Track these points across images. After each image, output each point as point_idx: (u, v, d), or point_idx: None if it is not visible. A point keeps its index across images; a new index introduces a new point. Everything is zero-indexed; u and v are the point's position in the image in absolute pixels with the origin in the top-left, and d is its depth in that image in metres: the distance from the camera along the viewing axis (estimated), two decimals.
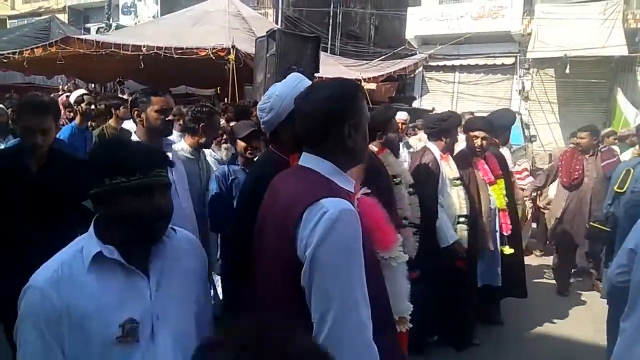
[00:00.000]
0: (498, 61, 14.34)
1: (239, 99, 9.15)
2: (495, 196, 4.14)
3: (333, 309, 1.24)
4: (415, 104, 13.90)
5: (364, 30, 22.78)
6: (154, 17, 18.86)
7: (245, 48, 9.04)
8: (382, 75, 13.09)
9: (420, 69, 15.07)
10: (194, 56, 9.05)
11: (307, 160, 1.47)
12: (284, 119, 1.92)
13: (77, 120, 4.66)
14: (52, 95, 10.04)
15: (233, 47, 8.72)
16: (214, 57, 8.93)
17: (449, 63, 15.15)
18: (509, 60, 14.26)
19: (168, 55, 9.01)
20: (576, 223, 5.40)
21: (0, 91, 9.75)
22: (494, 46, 14.24)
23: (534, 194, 6.48)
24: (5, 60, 10.91)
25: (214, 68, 9.91)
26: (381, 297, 1.44)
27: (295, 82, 1.94)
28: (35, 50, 10.14)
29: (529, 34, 13.14)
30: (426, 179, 3.64)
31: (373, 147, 3.17)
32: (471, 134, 4.12)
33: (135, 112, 2.68)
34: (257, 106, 2.05)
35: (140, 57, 9.10)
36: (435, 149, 3.81)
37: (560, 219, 5.53)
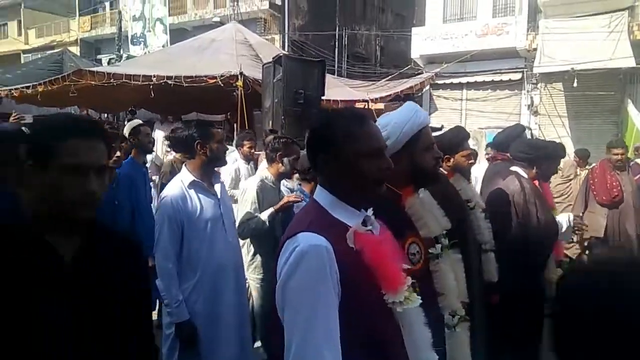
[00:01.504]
0: (505, 77, 14.35)
1: (249, 124, 9.25)
2: None
3: (294, 343, 1.25)
4: None
5: (370, 51, 23.05)
6: (163, 46, 19.26)
7: (252, 74, 9.18)
8: (389, 95, 13.17)
9: (427, 87, 15.13)
10: (203, 84, 9.19)
11: (317, 192, 1.47)
12: (399, 149, 1.84)
13: (134, 153, 4.30)
14: None
15: (241, 73, 8.85)
16: (222, 85, 9.06)
17: (455, 80, 15.20)
18: (516, 76, 14.26)
19: (178, 84, 9.16)
20: (625, 241, 5.20)
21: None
22: (500, 62, 14.27)
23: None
24: (16, 95, 11.21)
25: (223, 94, 10.05)
26: (390, 344, 1.35)
27: (413, 110, 1.89)
28: (48, 84, 10.40)
29: (535, 49, 13.16)
30: (504, 205, 3.25)
31: (443, 171, 2.93)
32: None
33: (198, 146, 2.76)
34: None
35: (151, 86, 9.27)
36: (524, 175, 3.39)
37: (604, 238, 5.29)
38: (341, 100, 11.52)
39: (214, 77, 9.07)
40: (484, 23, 14.31)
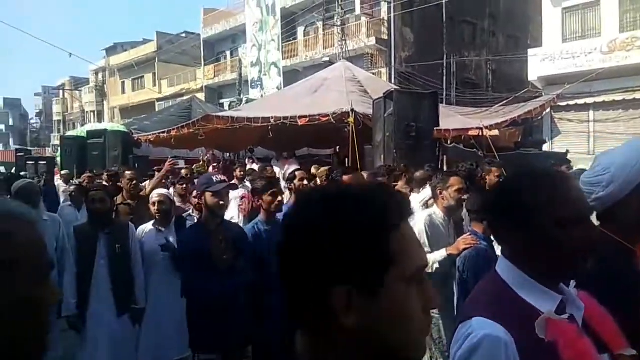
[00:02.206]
0: (639, 95, 13.01)
1: (360, 159, 9.41)
2: None
3: None
4: (545, 148, 13.05)
5: (481, 76, 22.36)
6: (277, 88, 20.55)
7: (362, 110, 9.38)
8: (506, 121, 12.56)
9: (548, 110, 14.20)
10: (317, 122, 9.58)
11: (500, 265, 1.22)
12: (629, 192, 1.52)
13: (292, 200, 4.31)
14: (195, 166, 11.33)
15: (352, 110, 9.08)
16: (334, 122, 9.37)
17: (580, 101, 14.10)
18: None
19: (293, 123, 9.67)
20: None
21: (153, 165, 11.16)
22: (632, 79, 13.00)
23: None
24: (152, 139, 12.67)
25: (333, 130, 10.39)
26: None
27: None
28: (181, 129, 11.59)
29: None
30: None
31: None
32: None
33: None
34: (585, 179, 1.66)
35: (269, 127, 9.90)
36: None
37: None
38: (453, 130, 11.25)
39: (327, 115, 9.42)
40: (610, 39, 13.22)
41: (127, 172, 5.38)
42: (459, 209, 3.52)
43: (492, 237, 3.02)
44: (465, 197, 3.45)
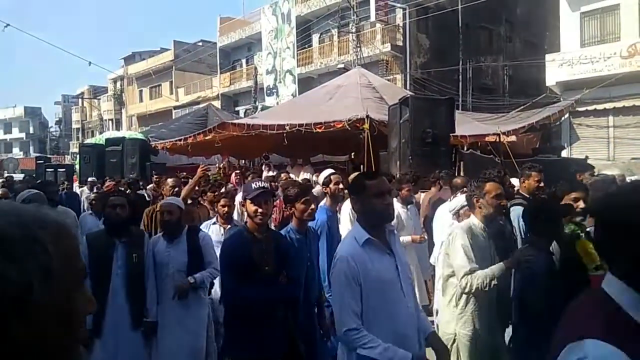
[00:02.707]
0: None
1: (375, 165, 9.37)
2: None
3: None
4: (564, 154, 12.86)
5: (497, 82, 22.18)
6: (292, 95, 20.65)
7: (377, 116, 9.35)
8: (524, 127, 12.42)
9: (566, 115, 14.01)
10: (332, 129, 9.57)
11: (610, 283, 1.12)
12: None
13: (328, 202, 4.28)
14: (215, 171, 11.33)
15: (367, 116, 9.05)
16: (349, 128, 9.35)
17: (600, 107, 13.89)
18: None
19: (308, 130, 9.68)
20: None
21: (170, 172, 11.24)
22: None
23: None
24: (169, 146, 12.79)
25: (349, 136, 10.38)
26: None
27: None
28: (197, 136, 11.69)
29: None
30: None
31: None
32: None
33: (353, 201, 2.76)
34: None
35: (284, 134, 9.92)
36: None
37: None
38: (470, 136, 11.15)
39: (342, 122, 9.41)
40: (630, 43, 13.02)
41: (170, 180, 5.26)
42: (498, 216, 3.31)
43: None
44: (504, 202, 3.26)
